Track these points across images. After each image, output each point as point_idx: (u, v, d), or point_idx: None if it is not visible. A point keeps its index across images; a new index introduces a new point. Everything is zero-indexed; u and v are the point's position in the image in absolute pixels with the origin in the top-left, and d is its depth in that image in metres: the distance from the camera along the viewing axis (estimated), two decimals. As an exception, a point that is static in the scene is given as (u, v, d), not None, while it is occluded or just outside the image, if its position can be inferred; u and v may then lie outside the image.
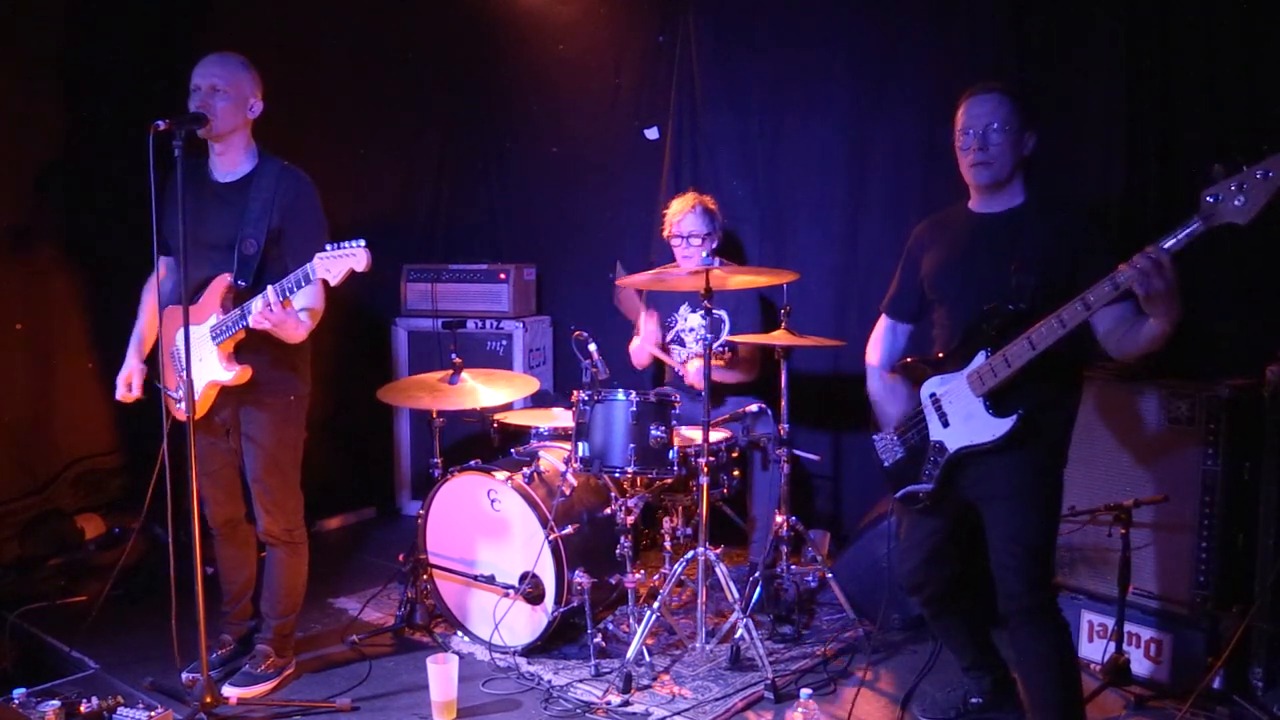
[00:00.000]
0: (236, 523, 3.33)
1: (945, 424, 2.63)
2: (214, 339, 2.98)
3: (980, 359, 2.53)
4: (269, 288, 2.86)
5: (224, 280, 3.00)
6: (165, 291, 3.14)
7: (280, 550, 3.26)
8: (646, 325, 4.25)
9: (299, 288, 2.85)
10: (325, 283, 2.85)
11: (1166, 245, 2.19)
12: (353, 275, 2.80)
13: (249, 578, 3.41)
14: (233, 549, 3.36)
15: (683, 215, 4.13)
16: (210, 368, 3.00)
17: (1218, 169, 2.11)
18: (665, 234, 4.21)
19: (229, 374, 2.99)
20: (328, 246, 2.79)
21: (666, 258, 4.30)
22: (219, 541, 3.33)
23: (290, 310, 2.91)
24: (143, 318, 3.28)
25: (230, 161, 3.07)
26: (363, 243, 2.77)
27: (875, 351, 2.95)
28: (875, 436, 2.86)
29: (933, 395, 2.66)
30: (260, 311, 2.86)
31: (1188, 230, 2.16)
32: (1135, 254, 2.21)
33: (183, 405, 3.01)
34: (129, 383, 3.20)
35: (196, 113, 2.90)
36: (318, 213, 3.09)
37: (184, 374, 2.86)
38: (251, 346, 3.02)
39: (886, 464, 2.83)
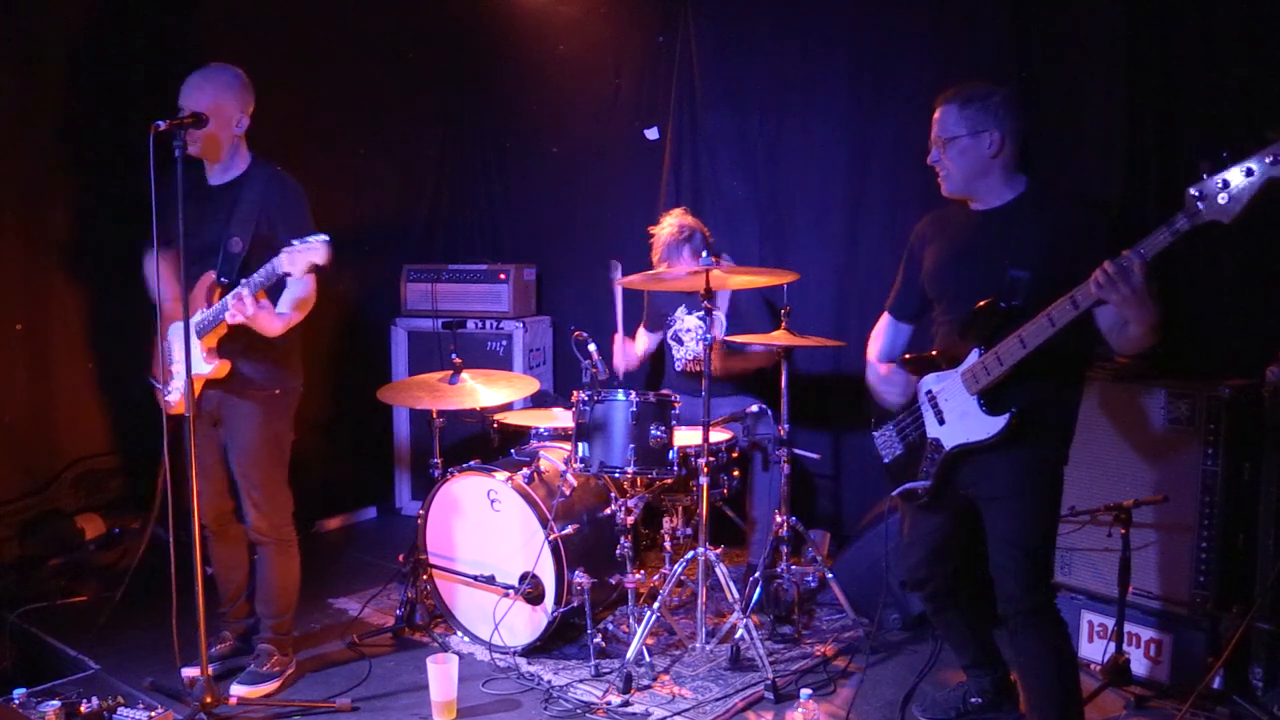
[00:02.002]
0: (226, 520, 3.33)
1: (941, 421, 2.62)
2: (197, 334, 3.02)
3: (973, 357, 2.53)
4: (241, 283, 2.92)
5: (209, 277, 3.05)
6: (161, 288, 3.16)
7: (269, 549, 3.27)
8: (628, 349, 4.28)
9: (267, 281, 2.91)
10: (315, 275, 2.92)
11: (1143, 249, 2.18)
12: (316, 268, 2.86)
13: (244, 577, 3.42)
14: (226, 548, 3.37)
15: (678, 260, 4.00)
16: (196, 361, 3.02)
17: (1203, 165, 2.09)
18: (654, 260, 4.12)
19: (208, 367, 3.05)
20: (294, 241, 2.84)
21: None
22: (211, 540, 3.34)
23: (263, 304, 2.96)
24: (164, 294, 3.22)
25: (222, 167, 3.13)
26: (324, 237, 2.83)
27: (874, 347, 2.94)
28: (875, 433, 2.86)
29: (929, 392, 2.66)
30: (232, 306, 2.91)
31: (1173, 228, 2.14)
32: (1123, 251, 2.20)
33: (170, 399, 3.11)
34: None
35: (196, 113, 2.90)
36: (305, 216, 3.13)
37: (173, 367, 2.94)
38: (236, 340, 3.06)
39: (886, 460, 2.83)
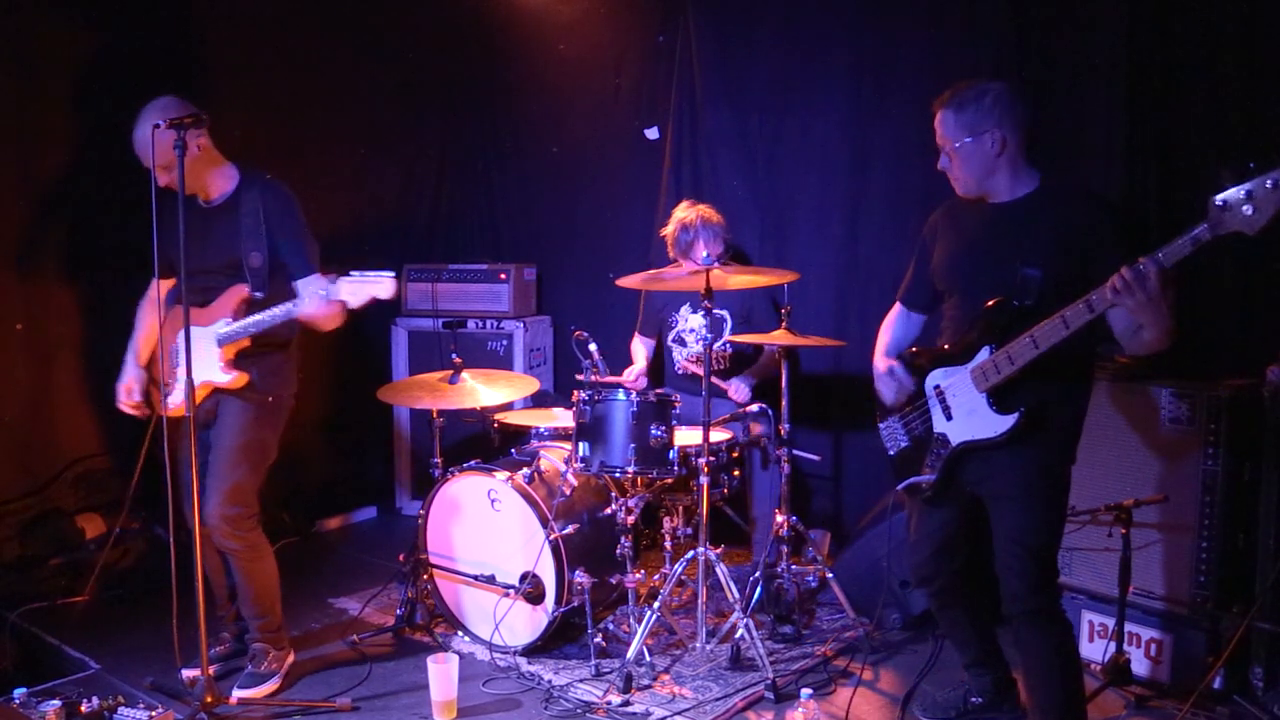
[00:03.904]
0: None
1: (949, 416, 2.62)
2: (219, 343, 3.03)
3: (984, 355, 2.52)
4: (313, 286, 2.94)
5: (241, 291, 3.07)
6: (168, 298, 3.20)
7: (238, 558, 3.20)
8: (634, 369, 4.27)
9: (326, 301, 2.93)
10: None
11: (1163, 254, 2.17)
12: (377, 302, 2.89)
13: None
14: (214, 551, 3.31)
15: (693, 242, 4.02)
16: (209, 369, 3.05)
17: (1225, 174, 2.07)
18: (670, 253, 4.14)
19: (227, 377, 3.06)
20: (352, 273, 2.87)
21: (665, 258, 4.29)
22: (202, 546, 3.28)
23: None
24: (140, 329, 3.34)
25: (209, 189, 3.14)
26: (391, 273, 2.87)
27: (884, 339, 2.93)
28: (881, 424, 2.86)
29: (937, 387, 2.65)
30: (309, 304, 2.94)
31: (1193, 235, 2.12)
32: (1141, 257, 2.18)
33: (170, 400, 3.13)
34: (129, 389, 3.27)
35: (196, 112, 2.90)
36: (299, 221, 3.16)
37: (177, 370, 2.94)
38: (247, 349, 3.08)
39: (891, 452, 2.83)
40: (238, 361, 3.09)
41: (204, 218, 3.11)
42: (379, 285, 2.86)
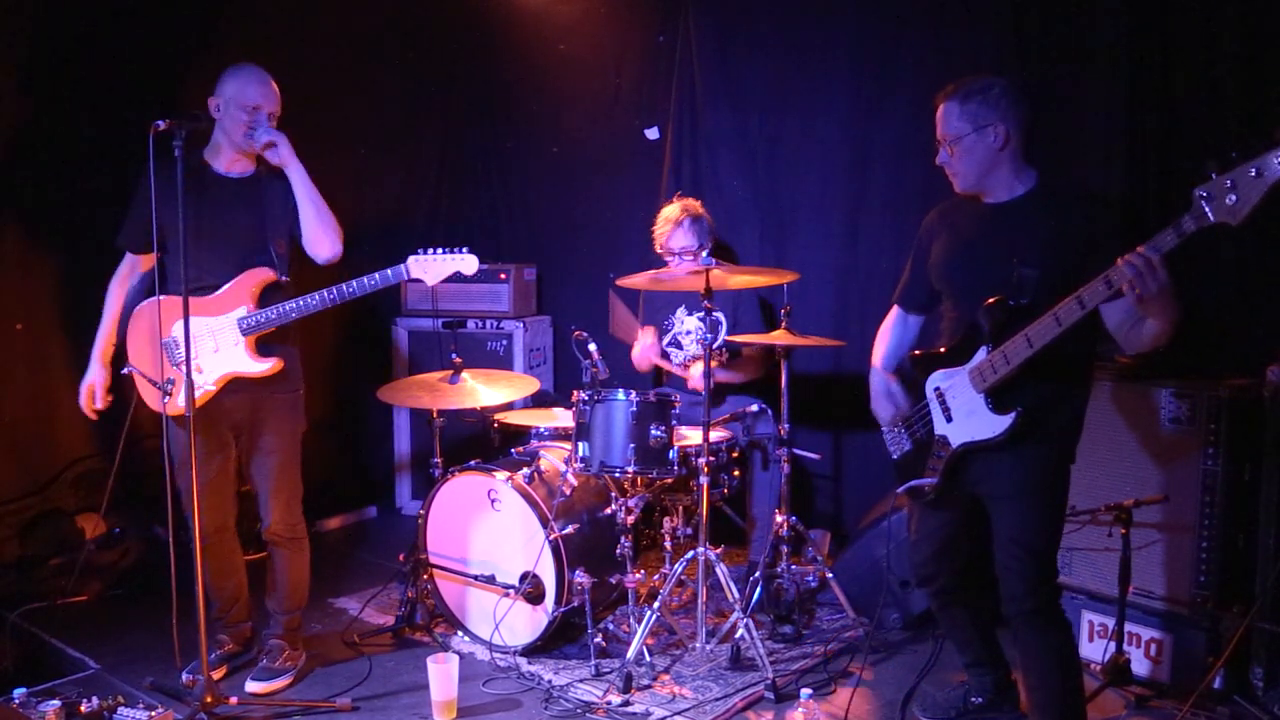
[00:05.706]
0: (224, 531, 3.31)
1: (949, 418, 2.62)
2: (243, 330, 3.01)
3: (981, 355, 2.52)
4: (415, 260, 3.14)
5: (262, 274, 3.05)
6: (135, 288, 3.21)
7: (284, 549, 3.29)
8: (643, 340, 4.22)
9: (389, 283, 3.06)
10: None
11: (1156, 246, 2.16)
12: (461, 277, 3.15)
13: (238, 584, 3.41)
14: (217, 559, 3.30)
15: (671, 231, 4.09)
16: (234, 359, 3.03)
17: (1211, 164, 2.06)
18: (656, 248, 4.19)
19: (260, 366, 3.05)
20: (427, 250, 3.05)
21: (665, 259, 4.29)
22: (204, 551, 3.23)
23: None
24: (107, 320, 3.30)
25: (242, 164, 3.16)
26: (467, 250, 3.14)
27: (881, 346, 2.92)
28: (884, 429, 2.86)
29: (937, 389, 2.65)
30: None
31: (1180, 229, 2.12)
32: (1130, 253, 2.19)
33: (178, 399, 3.03)
34: (91, 392, 3.21)
35: (196, 113, 2.91)
36: None
37: (178, 366, 2.92)
38: (271, 343, 3.09)
39: (895, 456, 2.83)
40: (265, 351, 3.08)
41: (222, 186, 3.10)
42: (462, 261, 3.14)
